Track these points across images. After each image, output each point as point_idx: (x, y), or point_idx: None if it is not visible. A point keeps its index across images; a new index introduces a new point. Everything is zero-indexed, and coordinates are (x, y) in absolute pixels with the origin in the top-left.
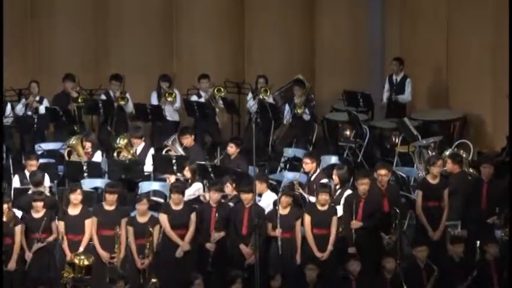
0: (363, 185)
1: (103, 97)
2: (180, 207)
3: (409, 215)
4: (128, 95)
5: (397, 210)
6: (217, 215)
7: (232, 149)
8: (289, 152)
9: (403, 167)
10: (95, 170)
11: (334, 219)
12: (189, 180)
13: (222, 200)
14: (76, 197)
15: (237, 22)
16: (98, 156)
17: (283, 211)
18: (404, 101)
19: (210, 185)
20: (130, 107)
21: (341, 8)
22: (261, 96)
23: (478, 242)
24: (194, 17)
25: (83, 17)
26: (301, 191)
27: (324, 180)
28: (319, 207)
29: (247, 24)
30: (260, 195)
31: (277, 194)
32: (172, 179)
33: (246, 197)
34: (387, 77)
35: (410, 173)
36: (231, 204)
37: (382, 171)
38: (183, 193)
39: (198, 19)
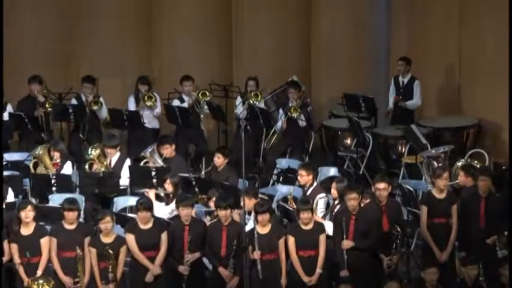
0: (351, 200)
1: (74, 101)
2: (148, 226)
3: (417, 233)
4: (101, 99)
5: (399, 229)
6: (190, 233)
7: (219, 160)
8: (283, 163)
9: (411, 179)
10: (64, 184)
11: (322, 238)
12: (171, 195)
13: (206, 217)
14: (27, 214)
15: (224, 18)
16: (67, 168)
17: (262, 230)
18: (414, 107)
19: (177, 201)
20: (104, 113)
21: (341, 2)
22: (251, 101)
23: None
24: (176, 12)
25: (50, 11)
26: (295, 206)
27: (322, 195)
28: (303, 227)
29: (235, 21)
30: (250, 213)
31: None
32: (151, 193)
33: (223, 214)
34: (392, 79)
35: (419, 186)
36: (208, 219)
37: (381, 185)
38: (151, 210)
39: (180, 14)
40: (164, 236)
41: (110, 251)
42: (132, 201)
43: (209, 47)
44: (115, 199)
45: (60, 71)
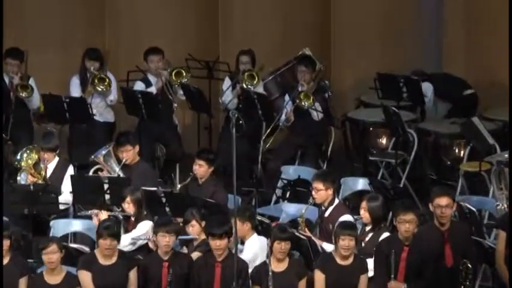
0: (406, 225)
1: None
2: (112, 260)
3: (483, 270)
4: (32, 82)
5: (469, 265)
6: (170, 272)
7: (201, 168)
8: (290, 171)
9: (472, 195)
10: None
11: (363, 280)
12: (132, 218)
13: (182, 249)
14: None
15: None
16: None
17: (277, 266)
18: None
19: (157, 225)
20: (36, 101)
21: None
22: (244, 84)
23: None
24: None
25: None
26: (308, 233)
27: (346, 217)
28: (339, 261)
29: None
30: (243, 242)
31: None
32: (103, 215)
33: (217, 244)
34: None
35: (484, 204)
36: (197, 253)
37: (443, 201)
38: (118, 238)
39: None
40: (133, 275)
41: None
42: (76, 225)
43: (186, 8)
44: (52, 222)
45: None
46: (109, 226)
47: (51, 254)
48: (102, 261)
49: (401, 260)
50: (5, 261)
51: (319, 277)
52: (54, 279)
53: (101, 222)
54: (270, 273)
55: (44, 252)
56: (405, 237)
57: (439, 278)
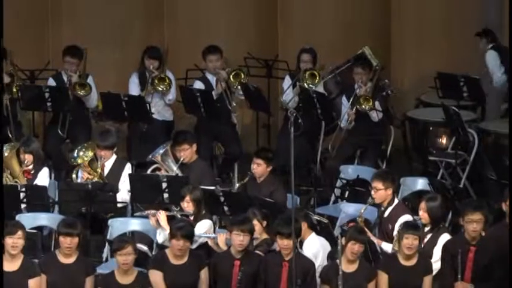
0: (473, 224)
1: (51, 82)
2: (183, 260)
3: None
4: (90, 80)
5: None
6: (241, 270)
7: (259, 167)
8: (349, 171)
9: None
10: (38, 199)
11: (427, 281)
12: (191, 217)
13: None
14: (15, 242)
15: None
16: (43, 177)
17: (348, 267)
18: (499, 84)
19: (232, 223)
20: (94, 99)
21: None
22: (305, 83)
23: None
24: None
25: None
26: (368, 233)
27: (406, 217)
28: (403, 261)
29: None
30: (301, 241)
31: (328, 237)
32: (161, 215)
33: (285, 243)
34: None
35: None
36: (259, 252)
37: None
38: (190, 239)
39: None
40: (204, 274)
41: None
42: (134, 224)
43: (245, 5)
44: (110, 221)
45: (33, 41)
46: (183, 227)
47: (127, 256)
48: (173, 260)
49: (468, 261)
50: (71, 260)
51: (382, 277)
52: (126, 279)
53: (174, 223)
54: (340, 273)
55: (119, 253)
56: (472, 237)
57: (510, 278)
